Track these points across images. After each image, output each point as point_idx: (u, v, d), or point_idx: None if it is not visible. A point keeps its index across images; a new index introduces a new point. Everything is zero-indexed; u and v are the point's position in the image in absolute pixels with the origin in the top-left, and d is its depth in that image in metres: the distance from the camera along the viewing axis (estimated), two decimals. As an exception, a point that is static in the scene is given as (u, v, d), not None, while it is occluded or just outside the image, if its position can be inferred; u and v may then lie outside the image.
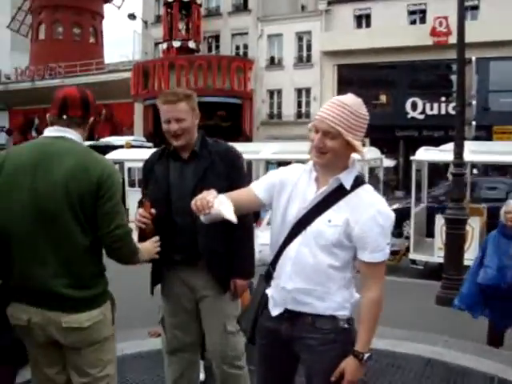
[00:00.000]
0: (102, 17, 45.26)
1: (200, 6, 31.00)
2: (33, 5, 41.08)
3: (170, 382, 3.23)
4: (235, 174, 3.02)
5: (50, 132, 2.44)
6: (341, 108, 2.16)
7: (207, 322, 3.09)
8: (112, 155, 12.60)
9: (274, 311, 2.34)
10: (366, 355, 2.20)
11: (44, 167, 2.30)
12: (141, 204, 2.88)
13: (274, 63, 30.18)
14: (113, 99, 30.84)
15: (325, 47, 27.69)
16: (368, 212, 2.17)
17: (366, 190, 2.25)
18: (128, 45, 39.73)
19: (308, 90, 29.10)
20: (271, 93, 30.19)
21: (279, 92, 29.68)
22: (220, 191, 2.64)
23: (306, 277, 2.24)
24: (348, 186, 2.22)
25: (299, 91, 29.45)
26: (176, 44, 29.55)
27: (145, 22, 33.42)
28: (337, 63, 27.94)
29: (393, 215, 2.23)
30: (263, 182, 2.44)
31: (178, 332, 3.14)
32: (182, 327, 3.13)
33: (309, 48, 29.25)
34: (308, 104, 29.13)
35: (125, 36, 78.03)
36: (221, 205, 2.23)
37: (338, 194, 2.23)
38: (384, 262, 2.24)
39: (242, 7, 31.16)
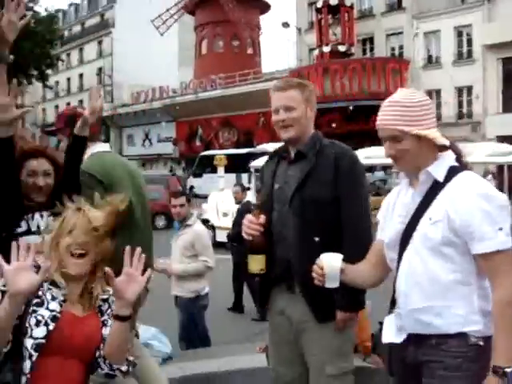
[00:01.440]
0: (259, 28, 46.96)
1: (351, 8, 30.85)
2: (196, 21, 43.85)
3: None
4: (346, 184, 2.63)
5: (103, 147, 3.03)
6: (391, 107, 2.06)
7: (307, 360, 2.73)
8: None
9: (397, 337, 2.13)
10: (510, 370, 1.83)
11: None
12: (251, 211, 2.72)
13: (431, 62, 29.14)
14: (269, 107, 31.73)
15: (488, 40, 26.03)
16: (466, 198, 1.95)
17: (464, 176, 2.03)
18: (284, 53, 40.84)
19: (469, 89, 27.63)
20: (429, 93, 28.92)
21: (438, 92, 28.47)
22: (324, 202, 2.60)
23: (420, 291, 2.02)
24: (441, 178, 2.03)
25: (460, 90, 28.05)
26: (326, 49, 29.73)
27: (298, 29, 34.06)
28: (501, 57, 26.17)
29: (500, 197, 1.96)
30: (380, 226, 2.31)
31: (279, 367, 2.83)
32: (284, 361, 2.80)
33: (469, 43, 27.78)
34: (470, 103, 27.65)
35: (281, 45, 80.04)
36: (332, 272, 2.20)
37: (433, 189, 2.05)
38: (506, 252, 1.91)
39: (396, 6, 30.46)
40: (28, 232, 2.57)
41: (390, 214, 2.21)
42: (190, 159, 33.52)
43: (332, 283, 2.23)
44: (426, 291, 2.01)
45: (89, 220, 2.03)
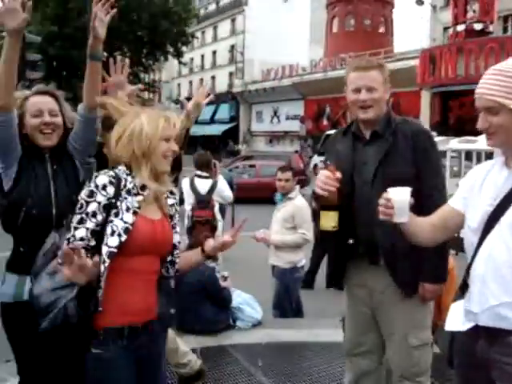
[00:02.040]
0: (392, 6, 45.48)
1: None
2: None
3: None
4: (424, 161, 2.67)
5: None
6: (495, 76, 1.87)
7: (386, 331, 2.83)
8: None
9: (465, 325, 2.00)
10: None
11: None
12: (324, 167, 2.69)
13: None
14: (399, 88, 30.87)
15: None
16: None
17: None
18: (417, 32, 39.35)
19: None
20: None
21: None
22: (406, 179, 2.48)
23: (501, 281, 1.86)
24: None
25: None
26: (461, 28, 28.13)
27: (433, 7, 32.56)
28: None
29: None
30: (457, 194, 2.18)
31: (355, 338, 2.94)
32: (361, 333, 2.91)
33: None
34: None
35: (414, 23, 77.04)
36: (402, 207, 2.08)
37: None
38: None
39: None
40: None
41: (477, 193, 2.04)
42: (317, 137, 33.54)
43: (400, 217, 2.11)
44: (508, 283, 1.85)
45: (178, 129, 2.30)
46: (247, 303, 5.19)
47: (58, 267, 2.05)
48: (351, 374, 2.99)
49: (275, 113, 43.27)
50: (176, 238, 2.36)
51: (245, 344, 4.67)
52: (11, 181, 2.51)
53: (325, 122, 37.76)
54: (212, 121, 47.59)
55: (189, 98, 2.88)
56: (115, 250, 2.08)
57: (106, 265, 2.06)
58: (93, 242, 2.09)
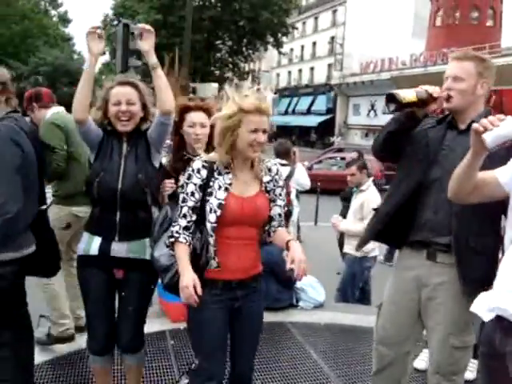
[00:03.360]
0: (504, -3, 43.30)
1: None
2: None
3: (374, 369, 3.11)
4: None
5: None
6: None
7: (430, 326, 2.84)
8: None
9: (486, 316, 2.07)
10: None
11: None
12: None
13: None
14: (504, 85, 29.51)
15: None
16: None
17: None
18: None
19: None
20: None
21: None
22: None
23: None
24: None
25: None
26: None
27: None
28: None
29: None
30: (507, 165, 2.18)
31: (390, 327, 2.96)
32: (397, 322, 2.93)
33: None
34: None
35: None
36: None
37: None
38: None
39: None
40: None
41: None
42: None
43: (489, 139, 2.09)
44: None
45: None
46: (311, 285, 5.43)
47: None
48: (377, 361, 3.06)
49: (372, 106, 42.63)
50: (275, 211, 2.75)
51: (304, 323, 4.92)
52: (93, 156, 3.05)
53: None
54: (309, 112, 47.68)
55: None
56: (215, 225, 2.57)
57: (214, 238, 2.58)
58: (194, 217, 2.60)
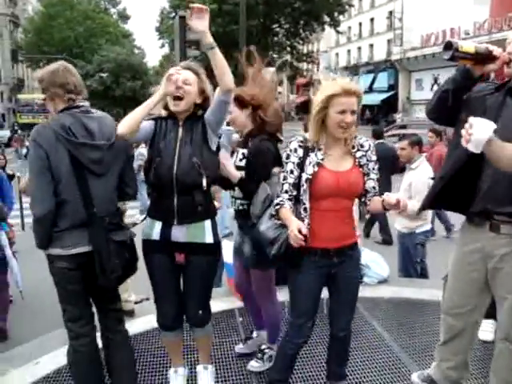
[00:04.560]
0: None
1: None
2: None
3: (441, 339, 3.21)
4: None
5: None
6: None
7: (499, 295, 2.88)
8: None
9: None
10: None
11: None
12: None
13: None
14: None
15: None
16: None
17: None
18: None
19: None
20: None
21: None
22: None
23: None
24: None
25: None
26: None
27: None
28: None
29: None
30: None
31: (456, 298, 3.04)
32: (462, 294, 3.00)
33: None
34: None
35: None
36: (481, 125, 2.18)
37: None
38: None
39: None
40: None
41: None
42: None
43: (473, 148, 2.28)
44: None
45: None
46: (375, 261, 5.52)
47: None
48: (445, 332, 3.15)
49: (435, 80, 41.38)
50: (369, 184, 2.97)
51: (368, 297, 5.02)
52: (149, 142, 3.14)
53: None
54: (371, 89, 46.91)
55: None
56: (304, 197, 2.86)
57: (305, 207, 2.87)
58: (295, 192, 2.89)
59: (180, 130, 3.07)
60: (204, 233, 3.09)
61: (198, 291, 3.22)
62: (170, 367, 3.53)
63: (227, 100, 3.02)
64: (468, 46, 2.65)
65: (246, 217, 3.32)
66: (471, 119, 2.28)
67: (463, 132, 2.31)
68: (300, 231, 2.64)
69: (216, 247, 3.19)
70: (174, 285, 3.20)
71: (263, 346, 3.84)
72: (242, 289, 3.91)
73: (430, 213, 5.56)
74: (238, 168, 3.39)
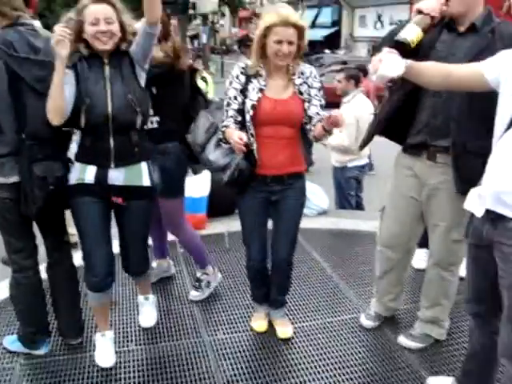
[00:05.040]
0: None
1: None
2: None
3: (378, 273, 3.35)
4: None
5: None
6: None
7: (431, 222, 3.00)
8: None
9: (477, 208, 2.19)
10: None
11: None
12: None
13: None
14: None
15: None
16: None
17: None
18: None
19: None
20: None
21: None
22: None
23: (508, 171, 2.01)
24: None
25: None
26: None
27: None
28: None
29: None
30: (493, 59, 2.17)
31: (392, 227, 3.14)
32: (399, 222, 3.09)
33: None
34: None
35: None
36: (390, 63, 2.18)
37: None
38: None
39: None
40: None
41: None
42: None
43: (376, 80, 2.34)
44: None
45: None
46: (315, 193, 5.57)
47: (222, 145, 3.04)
48: (383, 264, 3.27)
49: (379, 18, 41.30)
50: (312, 110, 2.92)
51: (307, 228, 5.07)
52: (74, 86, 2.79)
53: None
54: (314, 25, 46.41)
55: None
56: (249, 123, 2.89)
57: (250, 132, 2.90)
58: (239, 118, 2.93)
59: (106, 68, 2.82)
60: (141, 175, 2.94)
61: (139, 238, 3.11)
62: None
63: (154, 32, 2.82)
64: (416, 36, 2.58)
65: (157, 139, 3.21)
66: (383, 55, 2.27)
67: (372, 62, 2.31)
68: (241, 139, 2.69)
69: (153, 191, 3.03)
70: (107, 235, 2.96)
71: (198, 274, 3.87)
72: None
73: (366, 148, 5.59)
74: None
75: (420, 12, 2.61)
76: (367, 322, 3.46)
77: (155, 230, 3.76)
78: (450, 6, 2.65)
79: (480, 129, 2.59)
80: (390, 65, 2.21)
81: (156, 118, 3.31)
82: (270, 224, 3.22)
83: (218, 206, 5.19)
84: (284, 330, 3.40)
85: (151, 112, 3.22)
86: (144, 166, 2.94)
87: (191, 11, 23.74)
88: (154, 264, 4.05)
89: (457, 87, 2.35)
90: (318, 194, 5.59)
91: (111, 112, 2.76)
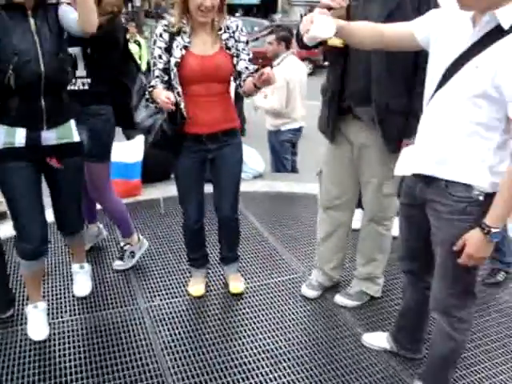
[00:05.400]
0: None
1: None
2: None
3: (319, 237, 3.36)
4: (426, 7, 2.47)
5: None
6: None
7: (364, 180, 3.04)
8: None
9: (410, 170, 2.24)
10: (494, 230, 1.93)
11: None
12: None
13: None
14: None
15: None
16: None
17: None
18: None
19: None
20: None
21: None
22: None
23: (443, 135, 2.03)
24: (506, 25, 1.81)
25: None
26: None
27: None
28: None
29: None
30: (423, 19, 2.16)
31: (332, 189, 3.16)
32: (339, 182, 3.13)
33: None
34: None
35: None
36: (321, 24, 2.13)
37: (492, 35, 1.85)
38: None
39: None
40: None
41: (441, 39, 2.04)
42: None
43: (307, 41, 2.24)
44: (449, 136, 2.01)
45: None
46: (251, 157, 5.54)
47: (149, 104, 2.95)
48: (326, 226, 3.28)
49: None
50: (241, 65, 2.91)
51: (244, 191, 5.05)
52: None
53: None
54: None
55: None
56: (175, 81, 2.84)
57: (177, 91, 2.85)
58: (166, 77, 2.87)
59: (31, 20, 2.62)
60: (72, 132, 2.88)
61: (74, 195, 3.04)
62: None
63: (84, 36, 2.74)
64: (336, 42, 2.66)
65: (87, 101, 3.16)
66: (314, 15, 2.21)
67: (302, 23, 2.23)
68: (169, 98, 2.64)
69: (82, 146, 2.99)
70: (40, 199, 2.85)
71: (121, 244, 3.78)
72: None
73: (298, 111, 5.59)
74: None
75: (330, 8, 2.47)
76: (309, 292, 3.43)
77: (84, 195, 3.63)
78: None
79: (401, 88, 2.72)
80: (321, 26, 2.15)
81: (88, 80, 3.19)
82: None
83: (152, 172, 5.09)
84: (235, 284, 3.47)
85: (84, 73, 3.16)
86: (72, 122, 2.89)
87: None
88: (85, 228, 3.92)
89: (388, 47, 2.33)
90: (253, 158, 5.57)
91: (44, 71, 2.61)
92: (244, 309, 3.29)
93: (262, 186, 5.38)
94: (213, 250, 3.90)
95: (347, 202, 3.19)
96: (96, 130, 3.20)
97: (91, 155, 3.19)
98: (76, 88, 3.15)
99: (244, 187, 5.12)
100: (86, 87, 3.19)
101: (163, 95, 2.67)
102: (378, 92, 2.74)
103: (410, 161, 2.24)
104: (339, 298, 3.35)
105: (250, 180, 5.44)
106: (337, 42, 2.66)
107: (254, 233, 4.35)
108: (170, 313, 3.23)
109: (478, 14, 1.90)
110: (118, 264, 3.75)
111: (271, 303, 3.35)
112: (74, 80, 3.14)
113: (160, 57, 2.86)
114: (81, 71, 3.16)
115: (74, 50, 3.05)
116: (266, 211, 4.81)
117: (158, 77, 2.88)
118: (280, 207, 4.92)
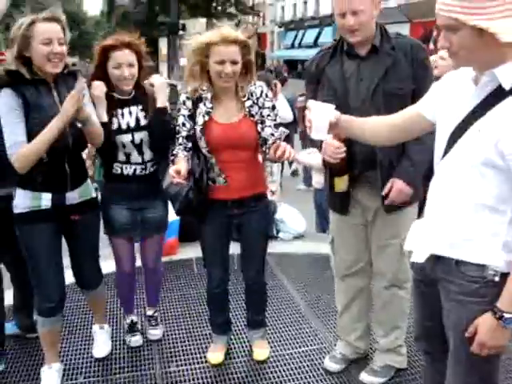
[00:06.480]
0: None
1: None
2: None
3: (340, 307, 3.20)
4: (423, 75, 2.61)
5: None
6: None
7: (379, 243, 2.91)
8: None
9: (421, 256, 2.02)
10: (508, 316, 1.71)
11: None
12: None
13: None
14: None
15: None
16: None
17: None
18: None
19: None
20: None
21: None
22: (405, 94, 2.57)
23: (450, 210, 1.85)
24: (508, 85, 1.67)
25: None
26: None
27: None
28: None
29: None
30: (427, 97, 2.06)
31: (347, 256, 3.03)
32: (354, 250, 3.00)
33: None
34: None
35: None
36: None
37: (495, 95, 1.72)
38: None
39: None
40: (119, 131, 3.05)
41: (445, 105, 1.92)
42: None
43: (317, 134, 2.16)
44: (454, 212, 1.84)
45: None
46: (291, 216, 5.45)
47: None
48: (346, 295, 3.12)
49: (380, 36, 41.46)
50: (266, 132, 2.86)
51: (281, 253, 4.97)
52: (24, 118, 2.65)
53: (431, 46, 35.75)
54: (315, 44, 46.55)
55: None
56: (207, 148, 2.84)
57: (214, 158, 2.86)
58: (189, 144, 2.88)
59: (54, 93, 2.73)
60: (90, 189, 3.04)
61: (92, 249, 3.13)
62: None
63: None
64: (340, 184, 2.77)
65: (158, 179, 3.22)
66: (309, 104, 2.17)
67: (306, 120, 2.18)
68: (178, 172, 2.58)
69: (97, 202, 3.14)
70: (60, 258, 2.92)
71: (149, 312, 3.65)
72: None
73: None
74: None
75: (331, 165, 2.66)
76: (331, 365, 3.20)
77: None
78: (357, 35, 2.60)
79: (400, 148, 2.66)
80: (319, 112, 2.13)
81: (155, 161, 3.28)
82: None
83: (189, 230, 5.07)
84: (259, 351, 3.35)
85: (151, 157, 3.21)
86: (88, 180, 3.05)
87: (181, 32, 23.93)
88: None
89: (403, 138, 2.25)
90: (294, 217, 5.48)
91: (71, 143, 2.78)
92: (261, 380, 3.12)
93: (301, 247, 5.23)
94: (240, 313, 3.77)
95: (365, 267, 3.04)
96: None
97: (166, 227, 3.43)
98: (147, 172, 3.17)
99: (282, 248, 5.09)
100: (156, 167, 3.21)
101: (174, 167, 2.64)
102: (381, 152, 2.67)
103: (420, 238, 2.04)
104: (365, 377, 3.09)
105: (289, 241, 5.32)
106: (343, 186, 2.77)
107: (285, 297, 4.20)
108: (185, 380, 3.11)
109: (478, 73, 1.78)
110: (155, 334, 3.57)
111: (291, 375, 3.16)
112: (144, 165, 3.15)
113: (184, 124, 2.88)
114: (148, 155, 3.14)
115: (140, 135, 3.09)
116: (302, 274, 4.65)
117: (181, 144, 2.89)
118: (318, 270, 4.73)
